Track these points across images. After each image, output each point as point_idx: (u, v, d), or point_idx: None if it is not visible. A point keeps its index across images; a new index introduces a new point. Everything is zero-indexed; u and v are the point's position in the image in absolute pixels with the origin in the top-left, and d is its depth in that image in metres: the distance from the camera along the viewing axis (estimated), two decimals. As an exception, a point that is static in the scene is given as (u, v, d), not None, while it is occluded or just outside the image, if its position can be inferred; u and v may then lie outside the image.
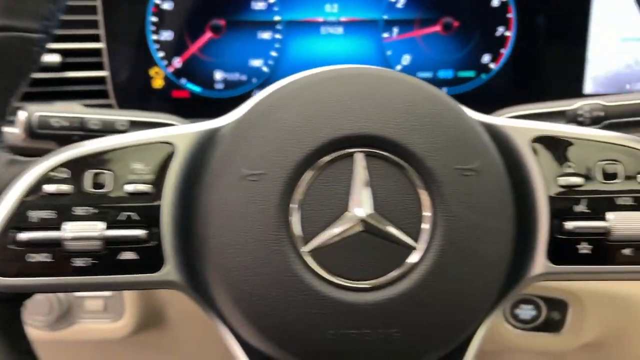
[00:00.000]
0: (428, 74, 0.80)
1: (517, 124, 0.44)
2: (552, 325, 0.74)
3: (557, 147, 0.43)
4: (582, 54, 0.80)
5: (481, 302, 0.41)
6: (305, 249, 0.38)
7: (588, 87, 0.81)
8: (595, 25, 0.80)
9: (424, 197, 0.39)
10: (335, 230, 0.38)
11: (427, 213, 0.39)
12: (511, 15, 0.79)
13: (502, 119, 0.45)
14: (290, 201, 0.38)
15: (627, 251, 0.42)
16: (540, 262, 0.42)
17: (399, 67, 0.80)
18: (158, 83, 0.80)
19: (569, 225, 0.42)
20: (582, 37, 0.80)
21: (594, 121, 0.56)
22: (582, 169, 0.42)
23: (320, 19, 0.79)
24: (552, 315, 0.73)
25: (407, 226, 0.39)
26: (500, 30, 0.80)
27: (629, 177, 0.42)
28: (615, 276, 0.43)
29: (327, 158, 0.39)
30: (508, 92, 0.81)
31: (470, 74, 0.81)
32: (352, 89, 0.40)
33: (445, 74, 0.80)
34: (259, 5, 0.78)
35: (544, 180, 0.42)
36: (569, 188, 0.42)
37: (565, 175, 0.42)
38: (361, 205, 0.38)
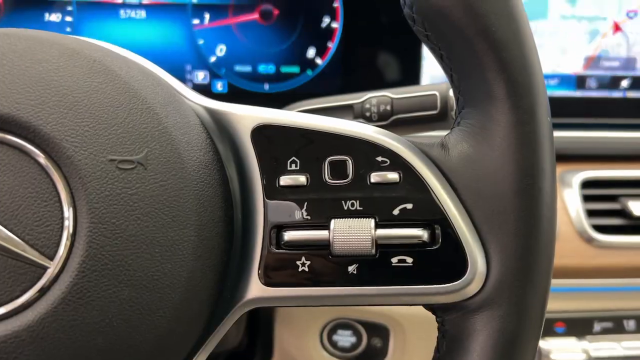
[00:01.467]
0: (247, 68, 0.71)
1: (240, 110, 0.35)
2: (374, 354, 0.65)
3: (282, 139, 0.34)
4: (417, 49, 0.72)
5: (157, 340, 0.31)
6: None
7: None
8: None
9: (64, 197, 0.29)
10: None
11: (67, 219, 0.29)
12: (337, 4, 0.70)
13: (224, 104, 0.35)
14: None
15: (352, 268, 0.33)
16: (253, 284, 0.33)
17: (213, 59, 0.70)
18: None
19: (288, 235, 0.33)
20: (417, 31, 0.72)
21: (382, 117, 0.47)
22: (309, 166, 0.34)
23: (119, 0, 0.69)
24: (374, 343, 0.65)
25: (38, 237, 0.29)
26: (326, 20, 0.71)
27: (359, 177, 0.33)
28: (344, 301, 0.34)
29: None
30: (337, 90, 0.72)
31: (294, 69, 0.71)
32: None
33: (266, 68, 0.71)
34: (45, -18, 0.68)
35: (262, 179, 0.33)
36: (292, 189, 0.33)
37: (288, 173, 0.33)
38: None
